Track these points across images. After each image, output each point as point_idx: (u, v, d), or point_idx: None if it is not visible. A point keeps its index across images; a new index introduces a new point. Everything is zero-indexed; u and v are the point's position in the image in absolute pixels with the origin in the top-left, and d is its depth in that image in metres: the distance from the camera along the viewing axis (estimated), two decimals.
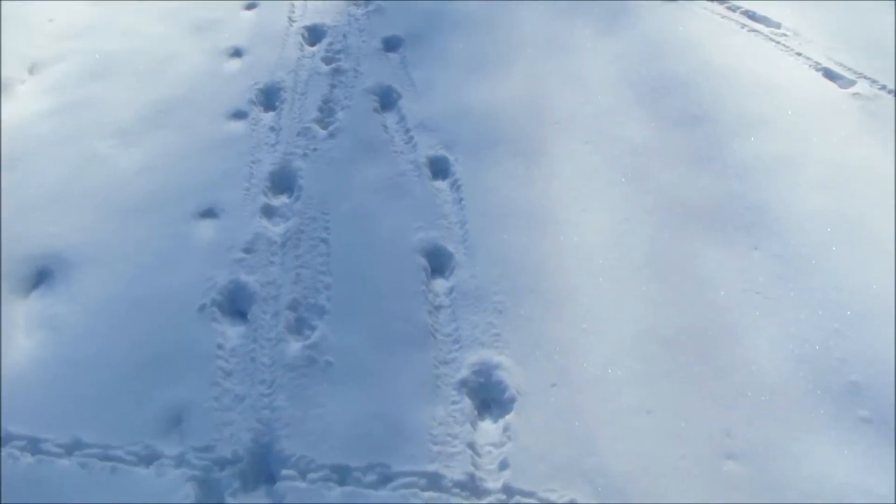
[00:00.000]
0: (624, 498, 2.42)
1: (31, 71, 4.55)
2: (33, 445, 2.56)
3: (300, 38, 4.78)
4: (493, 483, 2.47)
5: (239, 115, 4.17)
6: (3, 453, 2.53)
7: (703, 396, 2.71)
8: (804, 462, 2.51)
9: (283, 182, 3.78)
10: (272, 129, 4.09)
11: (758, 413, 2.66)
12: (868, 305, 2.99)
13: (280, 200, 3.68)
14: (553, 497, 2.42)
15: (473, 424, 2.68)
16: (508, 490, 2.43)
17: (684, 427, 2.62)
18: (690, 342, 2.91)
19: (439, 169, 3.89)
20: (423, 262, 3.31)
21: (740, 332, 2.94)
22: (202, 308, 3.03)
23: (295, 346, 2.90)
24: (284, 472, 2.47)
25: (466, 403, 2.73)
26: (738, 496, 2.43)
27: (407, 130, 4.10)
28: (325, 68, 4.48)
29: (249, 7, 5.15)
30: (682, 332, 2.95)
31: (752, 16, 4.77)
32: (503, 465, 2.51)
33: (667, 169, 3.73)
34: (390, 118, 4.16)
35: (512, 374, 2.81)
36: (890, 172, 3.60)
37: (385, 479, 2.45)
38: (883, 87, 4.21)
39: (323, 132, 4.06)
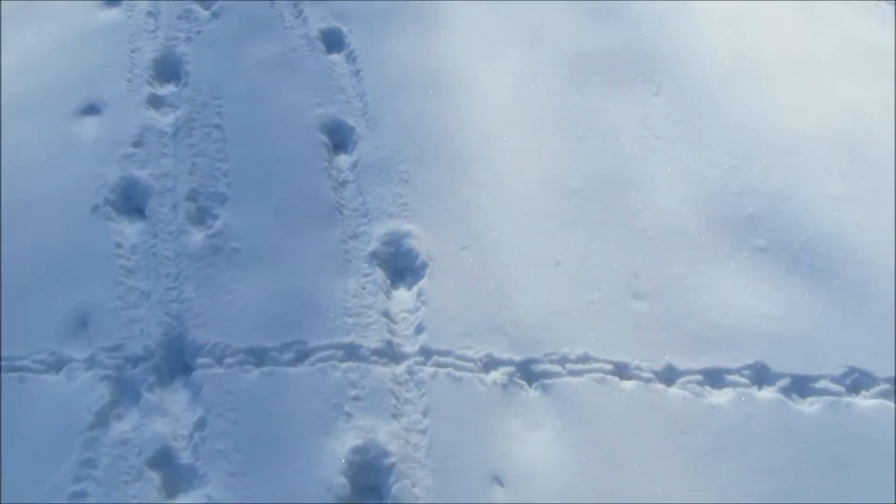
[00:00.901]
0: (538, 346, 2.48)
1: None
2: None
3: None
4: (410, 347, 2.50)
5: (112, 1, 3.86)
6: None
7: (610, 243, 2.76)
8: (706, 294, 2.61)
9: (167, 69, 3.56)
10: (150, 14, 3.83)
11: (662, 253, 2.73)
12: (762, 141, 3.06)
13: (167, 89, 3.48)
14: (470, 353, 2.46)
15: (387, 294, 2.67)
16: (426, 352, 2.46)
17: (592, 274, 2.68)
18: (595, 191, 2.93)
19: (333, 42, 3.72)
20: (324, 138, 3.21)
21: (643, 178, 2.97)
22: (95, 208, 2.89)
23: (198, 237, 2.81)
24: (200, 360, 2.44)
25: (379, 274, 2.71)
26: (646, 333, 2.51)
27: (296, 4, 3.88)
28: None
29: None
30: (587, 183, 2.98)
31: None
32: (419, 329, 2.53)
33: (566, 23, 3.66)
34: None
35: (422, 241, 2.80)
36: (781, 12, 3.62)
37: (302, 356, 2.44)
38: None
39: (205, 13, 3.82)
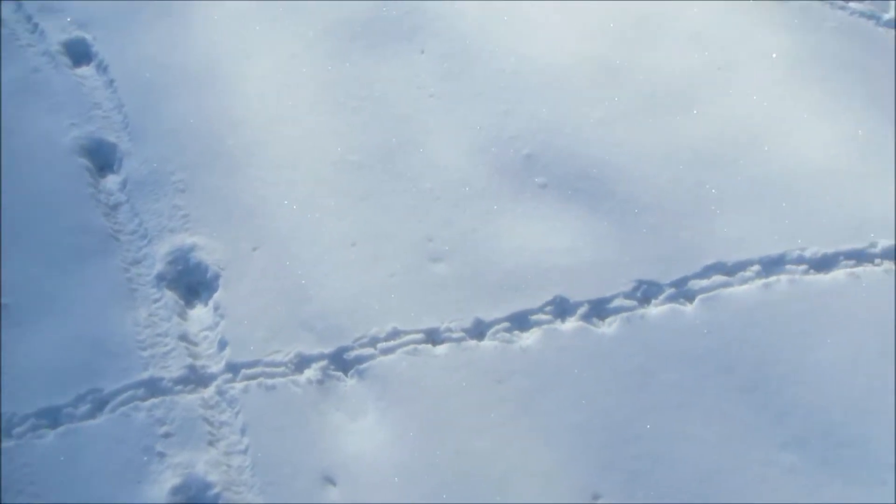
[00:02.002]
0: (346, 333, 2.45)
1: None
2: None
3: None
4: (215, 366, 2.40)
5: None
6: None
7: (400, 211, 2.75)
8: (500, 242, 2.66)
9: None
10: None
11: (451, 211, 2.75)
12: (527, 81, 3.13)
13: None
14: (278, 357, 2.40)
15: (182, 315, 2.54)
16: (232, 367, 2.37)
17: (388, 246, 2.66)
18: (378, 161, 2.91)
19: (79, 53, 3.45)
20: (85, 161, 2.99)
21: (422, 139, 2.97)
22: None
23: None
24: None
25: (169, 297, 2.57)
26: (450, 294, 2.54)
27: (29, 18, 3.53)
28: None
29: None
30: (369, 154, 2.94)
31: None
32: (222, 345, 2.43)
33: None
34: (5, 7, 3.55)
35: (210, 252, 2.67)
36: None
37: (100, 404, 2.29)
38: None
39: None
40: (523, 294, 2.54)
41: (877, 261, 2.55)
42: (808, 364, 2.32)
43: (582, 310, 2.50)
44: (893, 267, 2.54)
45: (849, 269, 2.53)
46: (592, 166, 2.83)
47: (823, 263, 2.55)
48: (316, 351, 2.42)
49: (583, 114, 2.99)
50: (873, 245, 2.59)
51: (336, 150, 2.96)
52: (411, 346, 2.42)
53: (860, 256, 2.56)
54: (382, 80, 3.19)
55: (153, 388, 2.30)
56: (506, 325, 2.48)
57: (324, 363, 2.39)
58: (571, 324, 2.47)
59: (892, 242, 2.59)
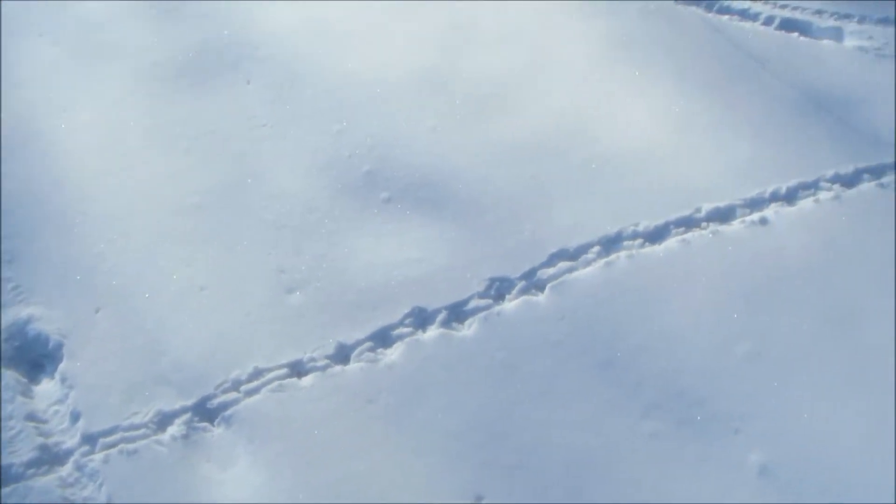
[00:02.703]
0: (207, 381, 2.38)
1: None
2: None
3: None
4: (70, 441, 2.28)
5: None
6: None
7: (247, 247, 2.70)
8: (352, 262, 2.67)
9: None
10: None
11: (299, 238, 2.73)
12: (359, 98, 3.15)
13: None
14: (138, 419, 2.30)
15: (26, 393, 2.40)
16: (89, 438, 2.26)
17: (240, 285, 2.61)
18: (219, 200, 2.84)
19: None
20: None
21: (260, 170, 2.93)
22: None
23: None
24: None
25: (10, 376, 2.42)
26: (309, 323, 2.52)
27: None
28: None
29: None
30: (209, 194, 2.87)
31: None
32: (75, 417, 2.31)
33: (135, 33, 3.44)
34: None
35: (49, 321, 2.53)
36: None
37: None
38: None
39: None
40: (382, 310, 2.56)
41: (703, 224, 2.73)
42: (655, 332, 2.46)
43: (441, 316, 2.54)
44: (719, 228, 2.72)
45: (680, 237, 2.69)
46: (432, 174, 2.88)
47: (656, 235, 2.70)
48: (177, 405, 2.34)
49: (415, 124, 3.04)
50: (698, 211, 2.77)
51: (173, 195, 2.87)
52: (276, 383, 2.38)
53: (688, 223, 2.74)
54: (212, 115, 3.12)
55: (3, 475, 2.15)
56: (368, 344, 2.49)
57: (187, 416, 2.31)
58: (432, 332, 2.50)
59: (715, 205, 2.78)
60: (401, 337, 2.51)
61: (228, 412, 2.33)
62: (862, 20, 3.80)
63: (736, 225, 2.74)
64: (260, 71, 3.27)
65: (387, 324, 2.54)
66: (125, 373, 2.41)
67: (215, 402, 2.35)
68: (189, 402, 2.35)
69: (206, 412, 2.34)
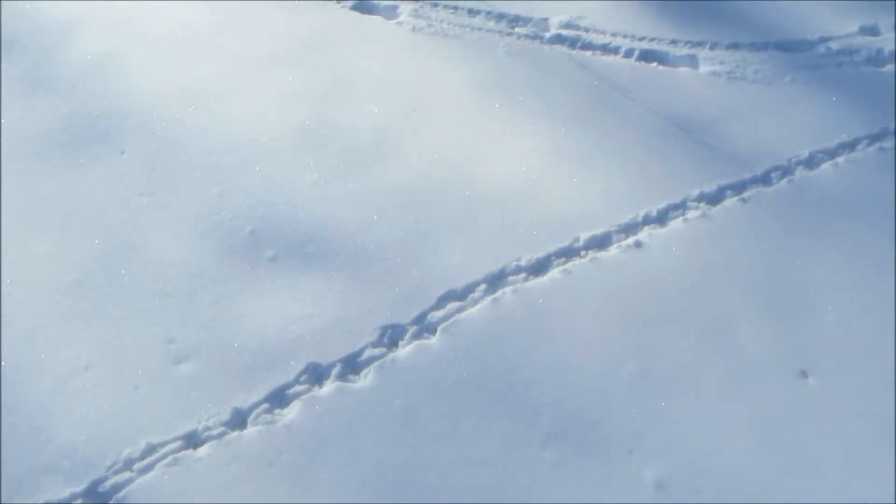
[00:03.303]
0: (97, 464, 2.30)
1: None
2: None
3: None
4: None
5: None
6: None
7: (133, 320, 2.64)
8: (242, 324, 2.64)
9: None
10: None
11: (187, 306, 2.68)
12: (238, 158, 3.15)
13: None
14: None
15: None
16: None
17: (127, 360, 2.54)
18: (100, 275, 2.78)
19: None
20: None
21: (141, 240, 2.88)
22: None
23: None
24: None
25: None
26: (199, 390, 2.47)
27: None
28: None
29: None
30: (88, 270, 2.80)
31: None
32: None
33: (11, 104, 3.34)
34: None
35: None
36: (209, 28, 3.72)
37: None
38: None
39: None
40: (276, 370, 2.54)
41: (582, 253, 2.85)
42: (545, 362, 2.53)
43: (336, 370, 2.54)
44: (597, 255, 2.83)
45: (561, 267, 2.79)
46: (317, 228, 2.90)
47: (539, 267, 2.79)
48: (66, 493, 2.26)
49: (297, 179, 3.06)
50: (577, 240, 2.88)
51: (50, 274, 2.78)
52: (170, 457, 2.32)
53: (568, 253, 2.84)
54: (86, 188, 3.06)
55: None
56: (265, 406, 2.46)
57: (77, 503, 2.22)
58: (328, 387, 2.50)
59: (592, 233, 2.90)
60: (297, 395, 2.50)
61: (122, 493, 2.25)
62: (713, 46, 4.07)
63: (613, 250, 2.86)
64: (134, 140, 3.22)
65: (282, 383, 2.52)
66: (8, 466, 2.30)
67: (107, 484, 2.28)
68: (79, 489, 2.26)
69: (97, 496, 2.26)
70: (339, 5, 4.06)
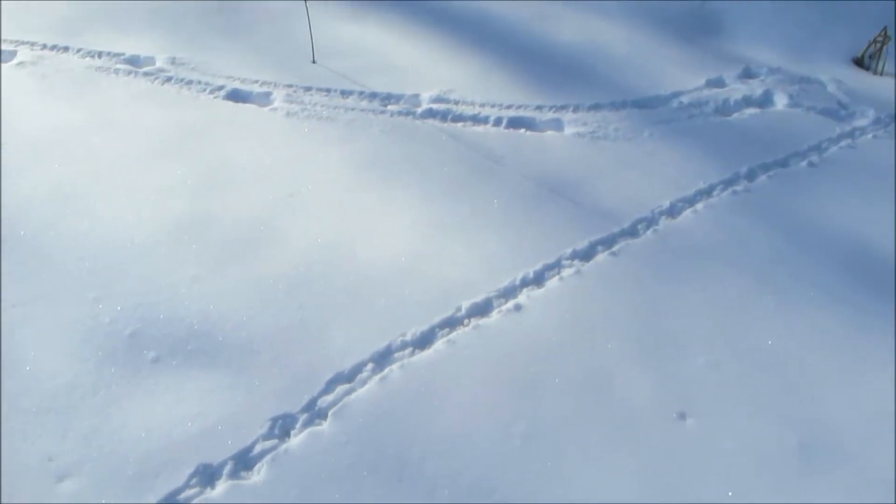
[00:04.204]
0: None
1: None
2: None
3: None
4: None
5: None
6: None
7: (10, 440, 2.53)
8: (128, 431, 2.57)
9: None
10: None
11: (67, 419, 2.60)
12: (115, 260, 3.10)
13: None
14: None
15: None
16: None
17: (6, 484, 2.42)
18: None
19: None
20: None
21: (16, 356, 2.79)
22: None
23: None
24: None
25: None
26: None
27: None
28: None
29: None
30: None
31: None
32: None
33: None
34: None
35: None
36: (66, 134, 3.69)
37: None
38: (44, 47, 4.21)
39: None
40: (165, 476, 2.48)
41: (465, 321, 2.93)
42: (437, 435, 2.57)
43: (227, 468, 2.50)
44: (480, 322, 2.92)
45: (445, 338, 2.86)
46: (199, 324, 2.87)
47: (424, 340, 2.85)
48: None
49: (176, 276, 3.04)
50: (459, 309, 2.96)
51: None
52: None
53: (451, 323, 2.92)
54: None
55: None
56: None
57: None
58: (221, 486, 2.46)
59: (473, 301, 2.99)
60: (189, 500, 2.44)
61: None
62: (576, 109, 4.32)
63: (494, 315, 2.96)
64: (5, 249, 3.13)
65: (172, 489, 2.46)
66: None
67: None
68: None
69: None
70: (211, 96, 4.10)
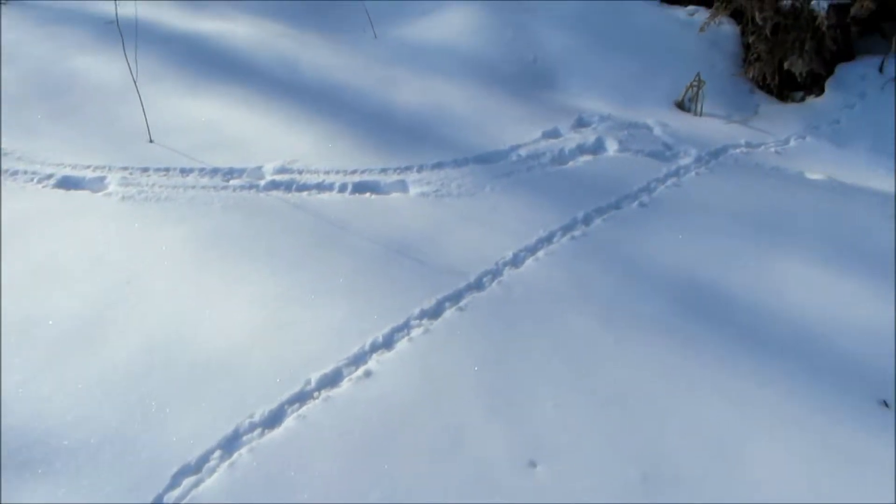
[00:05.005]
0: None
1: None
2: None
3: None
4: None
5: None
6: None
7: None
8: None
9: None
10: None
11: None
12: None
13: None
14: None
15: None
16: None
17: None
18: None
19: None
20: None
21: None
22: None
23: None
24: None
25: None
26: None
27: None
28: None
29: None
30: None
31: None
32: None
33: None
34: None
35: None
36: None
37: None
38: None
39: None
40: None
41: (315, 395, 2.90)
42: None
43: None
44: (330, 394, 2.90)
45: (295, 414, 2.81)
46: (29, 433, 2.71)
47: (273, 419, 2.80)
48: None
49: (2, 382, 2.85)
50: (308, 383, 2.93)
51: None
52: None
53: (301, 398, 2.88)
54: None
55: None
56: None
57: None
58: None
59: (322, 372, 2.97)
60: None
61: None
62: (420, 169, 4.43)
63: (345, 385, 2.95)
64: None
65: None
66: None
67: None
68: None
69: None
70: (40, 186, 3.94)
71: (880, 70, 5.68)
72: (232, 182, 4.11)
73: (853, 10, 5.44)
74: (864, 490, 2.67)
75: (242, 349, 3.04)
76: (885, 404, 3.07)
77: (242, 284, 3.36)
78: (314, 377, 2.96)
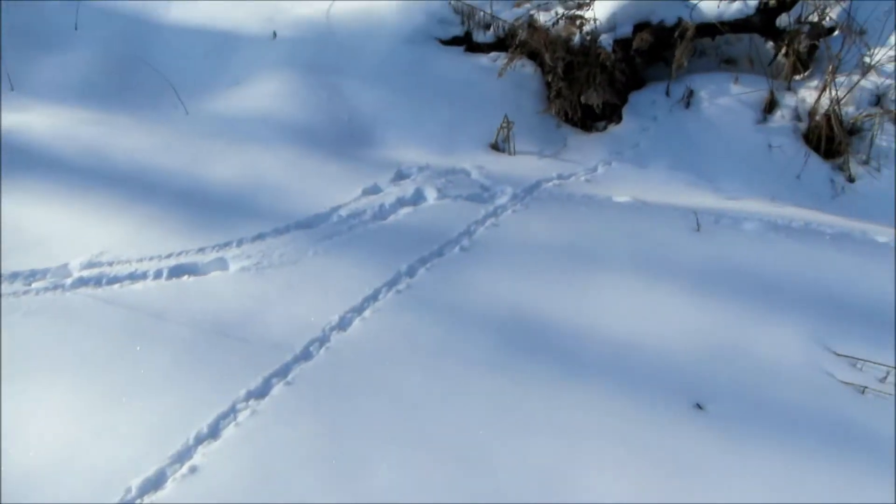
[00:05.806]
0: None
1: None
2: None
3: None
4: None
5: None
6: None
7: None
8: None
9: None
10: None
11: None
12: None
13: None
14: None
15: None
16: None
17: None
18: None
19: None
20: None
21: None
22: None
23: None
24: None
25: None
26: None
27: None
28: None
29: None
30: None
31: None
32: None
33: None
34: None
35: None
36: None
37: None
38: None
39: None
40: None
41: (137, 502, 2.73)
42: None
43: None
44: (154, 499, 2.74)
45: None
46: None
47: None
48: None
49: None
50: (129, 491, 2.78)
51: None
52: None
53: None
54: None
55: None
56: None
57: None
58: None
59: (144, 477, 2.80)
60: None
61: None
62: (240, 243, 4.35)
63: (169, 486, 2.81)
64: None
65: None
66: None
67: None
68: None
69: None
70: None
71: (667, 94, 6.17)
72: (34, 285, 3.87)
73: (635, 44, 5.89)
74: (692, 492, 2.83)
75: (52, 468, 2.84)
76: (699, 406, 3.28)
77: (47, 399, 3.15)
78: (135, 483, 2.80)
